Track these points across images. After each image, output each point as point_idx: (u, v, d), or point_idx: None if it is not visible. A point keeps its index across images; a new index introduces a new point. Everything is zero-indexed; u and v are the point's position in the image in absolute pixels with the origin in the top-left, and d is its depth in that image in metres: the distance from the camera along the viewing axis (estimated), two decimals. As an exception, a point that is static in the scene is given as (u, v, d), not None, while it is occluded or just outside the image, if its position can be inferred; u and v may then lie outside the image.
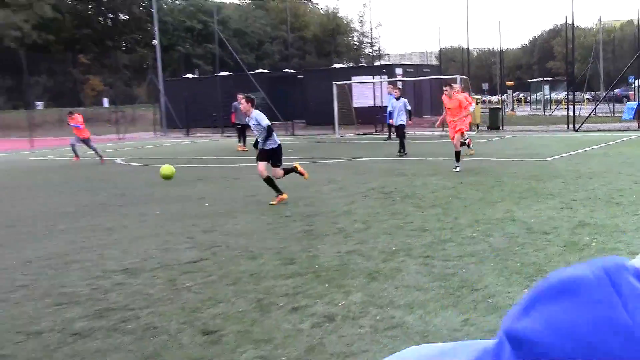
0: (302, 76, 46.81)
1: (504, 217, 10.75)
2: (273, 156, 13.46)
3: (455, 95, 18.06)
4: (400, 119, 22.95)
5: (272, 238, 9.98)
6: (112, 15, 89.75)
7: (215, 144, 34.99)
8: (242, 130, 29.39)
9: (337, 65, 55.02)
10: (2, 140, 46.33)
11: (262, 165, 13.30)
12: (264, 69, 54.38)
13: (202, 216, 12.23)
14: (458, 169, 17.16)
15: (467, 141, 18.72)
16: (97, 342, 5.93)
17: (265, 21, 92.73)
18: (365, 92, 41.58)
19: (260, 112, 13.41)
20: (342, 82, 39.61)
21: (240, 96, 29.65)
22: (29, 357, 5.70)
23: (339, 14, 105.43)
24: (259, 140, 13.46)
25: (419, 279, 7.35)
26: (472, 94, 39.02)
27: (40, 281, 8.21)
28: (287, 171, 13.86)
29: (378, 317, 6.15)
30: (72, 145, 26.76)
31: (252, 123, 13.43)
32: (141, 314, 6.61)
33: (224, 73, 50.98)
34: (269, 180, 13.32)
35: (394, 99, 23.52)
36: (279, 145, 13.52)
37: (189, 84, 51.41)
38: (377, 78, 41.52)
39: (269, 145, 13.35)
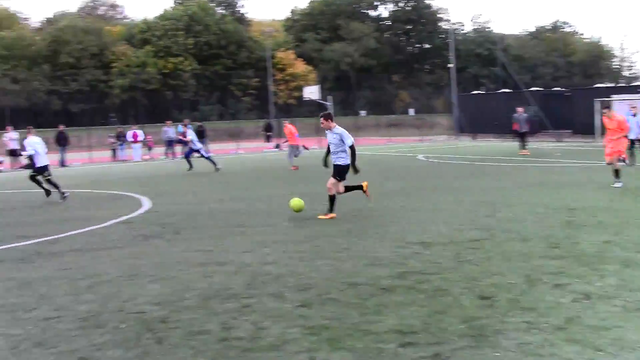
0: (569, 94, 44.26)
1: None
2: (340, 171, 11.15)
3: (615, 117, 14.74)
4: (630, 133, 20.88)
5: (540, 225, 9.49)
6: (418, 45, 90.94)
7: (498, 147, 34.07)
8: (522, 137, 28.01)
9: (599, 85, 51.24)
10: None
11: (333, 182, 11.15)
12: (537, 87, 51.93)
13: (485, 204, 11.95)
14: (618, 185, 13.99)
15: (622, 156, 15.40)
16: (399, 296, 6.01)
17: (540, 48, 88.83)
18: (623, 107, 38.43)
19: (344, 130, 11.13)
20: (603, 99, 37.06)
21: (519, 109, 28.73)
22: (349, 302, 5.90)
23: (602, 42, 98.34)
24: (332, 154, 11.29)
25: (669, 269, 6.62)
26: None
27: (356, 246, 8.51)
28: (349, 188, 11.46)
29: (629, 299, 5.62)
30: (291, 154, 23.48)
31: (333, 138, 11.14)
32: (432, 278, 6.60)
33: (504, 90, 49.56)
34: (332, 197, 11.09)
35: (631, 116, 21.47)
36: (348, 165, 11.17)
37: (477, 99, 50.62)
38: (634, 96, 38.22)
39: (340, 161, 11.16)
